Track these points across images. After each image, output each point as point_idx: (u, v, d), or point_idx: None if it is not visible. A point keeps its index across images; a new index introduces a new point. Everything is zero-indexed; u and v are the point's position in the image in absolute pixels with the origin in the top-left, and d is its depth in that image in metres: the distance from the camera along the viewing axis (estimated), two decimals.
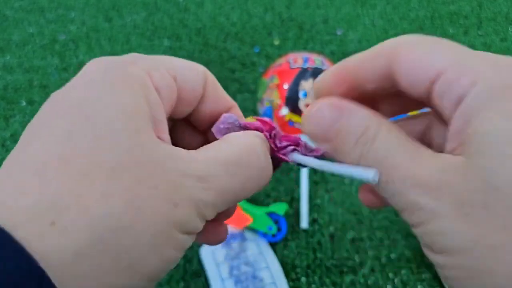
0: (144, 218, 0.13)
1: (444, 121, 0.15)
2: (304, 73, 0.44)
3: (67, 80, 0.57)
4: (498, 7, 0.63)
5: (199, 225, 0.15)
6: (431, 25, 0.61)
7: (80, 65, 0.58)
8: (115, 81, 0.14)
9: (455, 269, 0.13)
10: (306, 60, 0.45)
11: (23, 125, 0.52)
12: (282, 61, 0.46)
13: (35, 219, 0.12)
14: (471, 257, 0.13)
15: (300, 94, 0.43)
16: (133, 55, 0.16)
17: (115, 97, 0.14)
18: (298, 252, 0.42)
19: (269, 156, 0.16)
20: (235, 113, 0.18)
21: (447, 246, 0.13)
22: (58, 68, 0.58)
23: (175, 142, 0.17)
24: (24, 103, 0.54)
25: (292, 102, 0.43)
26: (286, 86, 0.43)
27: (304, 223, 0.43)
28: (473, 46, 0.59)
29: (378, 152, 0.14)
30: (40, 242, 0.12)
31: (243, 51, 0.59)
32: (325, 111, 0.15)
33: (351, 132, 0.15)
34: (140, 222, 0.13)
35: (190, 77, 0.16)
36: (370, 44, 0.64)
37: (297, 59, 0.45)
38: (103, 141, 0.13)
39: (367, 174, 0.14)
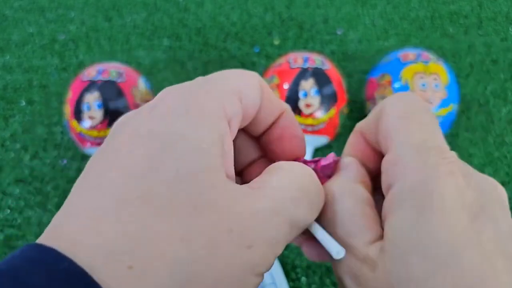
0: (220, 263, 0.13)
1: None
2: (304, 73, 0.43)
3: (66, 79, 0.57)
4: (498, 7, 0.63)
5: (272, 263, 0.14)
6: (431, 25, 0.61)
7: (80, 65, 0.57)
8: (193, 114, 0.14)
9: None
10: (306, 60, 0.45)
11: (23, 125, 0.52)
12: (282, 61, 0.46)
13: (113, 261, 0.11)
14: None
15: (300, 94, 0.43)
16: (205, 80, 0.15)
17: (194, 131, 0.13)
18: (298, 252, 0.42)
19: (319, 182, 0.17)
20: (289, 116, 0.18)
21: None
22: (57, 68, 0.57)
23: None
24: (23, 103, 0.54)
25: (292, 102, 0.43)
26: (286, 86, 0.43)
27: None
28: (473, 46, 0.58)
29: (333, 216, 0.15)
30: (118, 286, 0.11)
31: (243, 51, 0.59)
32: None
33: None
34: (216, 267, 0.13)
35: (252, 95, 0.16)
36: (370, 44, 0.64)
37: (297, 59, 0.45)
38: (183, 176, 0.13)
39: (335, 249, 0.15)
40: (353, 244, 0.14)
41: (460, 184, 0.13)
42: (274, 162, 0.17)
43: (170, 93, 0.15)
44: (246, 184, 0.15)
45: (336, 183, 0.16)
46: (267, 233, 0.14)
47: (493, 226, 0.13)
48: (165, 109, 0.14)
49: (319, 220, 0.16)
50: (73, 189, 0.14)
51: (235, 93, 0.15)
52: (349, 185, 0.16)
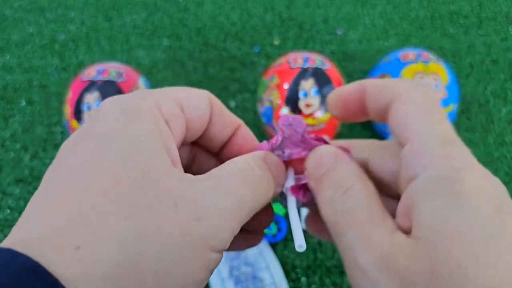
0: (168, 237, 0.13)
1: None
2: (304, 73, 0.43)
3: (66, 80, 0.57)
4: (498, 7, 0.63)
5: (227, 237, 0.15)
6: (431, 25, 0.61)
7: (80, 64, 0.57)
8: (129, 114, 0.15)
9: None
10: (306, 60, 0.45)
11: (23, 125, 0.52)
12: (282, 60, 0.46)
13: (61, 244, 0.12)
14: None
15: (300, 94, 0.43)
16: (142, 91, 0.17)
17: (132, 126, 0.15)
18: (298, 252, 0.42)
19: (266, 168, 0.18)
20: (244, 131, 0.19)
21: None
22: (57, 68, 0.57)
23: (194, 167, 0.18)
24: (23, 103, 0.54)
25: (292, 102, 0.43)
26: (286, 86, 0.43)
27: (304, 223, 0.43)
28: (473, 46, 0.59)
29: (346, 203, 0.15)
30: (66, 269, 0.12)
31: (243, 51, 0.58)
32: (329, 152, 0.17)
33: (332, 181, 0.16)
34: (164, 241, 0.13)
35: (196, 104, 0.17)
36: (370, 44, 0.64)
37: (297, 59, 0.45)
38: (125, 161, 0.14)
39: (299, 240, 0.16)
40: (378, 233, 0.14)
41: (484, 177, 0.14)
42: None
43: (108, 102, 0.16)
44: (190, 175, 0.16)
45: (349, 173, 0.16)
46: (215, 206, 0.14)
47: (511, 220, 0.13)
48: (105, 115, 0.15)
49: (335, 212, 0.16)
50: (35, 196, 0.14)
51: (174, 100, 0.16)
52: (362, 176, 0.16)
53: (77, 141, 0.15)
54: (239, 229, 0.15)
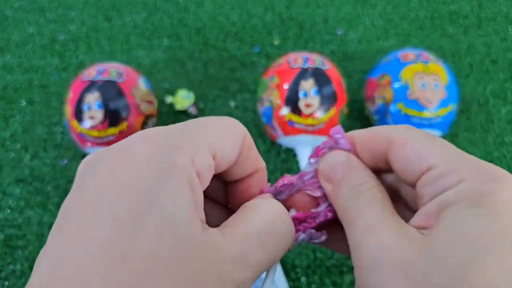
0: None
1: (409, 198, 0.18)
2: (304, 73, 0.44)
3: (67, 80, 0.57)
4: (498, 7, 0.63)
5: None
6: (431, 25, 0.61)
7: (80, 65, 0.58)
8: (163, 172, 0.14)
9: None
10: (306, 60, 0.45)
11: (23, 125, 0.52)
12: (282, 61, 0.46)
13: None
14: None
15: (300, 94, 0.43)
16: (179, 129, 0.15)
17: (166, 192, 0.14)
18: (298, 252, 0.42)
19: (291, 220, 0.18)
20: (261, 176, 0.19)
21: None
22: (58, 68, 0.57)
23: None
24: (24, 103, 0.54)
25: (292, 102, 0.43)
26: (286, 86, 0.43)
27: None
28: (473, 46, 0.59)
29: (363, 200, 0.17)
30: None
31: (243, 51, 0.59)
32: (339, 159, 0.18)
33: (352, 181, 0.17)
34: None
35: (228, 151, 0.17)
36: (370, 44, 0.64)
37: (297, 59, 0.45)
38: (162, 234, 0.13)
39: None
40: (388, 225, 0.15)
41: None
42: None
43: (145, 139, 0.15)
44: (217, 228, 0.15)
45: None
46: (235, 279, 0.14)
47: None
48: (140, 157, 0.14)
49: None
50: (54, 236, 0.13)
51: (209, 149, 0.15)
52: (378, 183, 0.18)
53: (110, 180, 0.14)
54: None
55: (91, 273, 0.12)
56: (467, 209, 0.14)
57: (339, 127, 0.19)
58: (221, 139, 0.16)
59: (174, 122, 0.52)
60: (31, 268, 0.42)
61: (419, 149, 0.16)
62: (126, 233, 0.13)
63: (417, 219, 0.16)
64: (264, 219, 0.16)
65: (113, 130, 0.43)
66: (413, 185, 0.17)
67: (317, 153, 0.20)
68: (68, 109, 0.44)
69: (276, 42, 0.60)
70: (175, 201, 0.14)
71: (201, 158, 0.15)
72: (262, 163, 0.19)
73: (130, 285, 0.12)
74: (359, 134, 0.18)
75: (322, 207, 0.19)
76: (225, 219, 0.17)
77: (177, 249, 0.13)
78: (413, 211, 0.17)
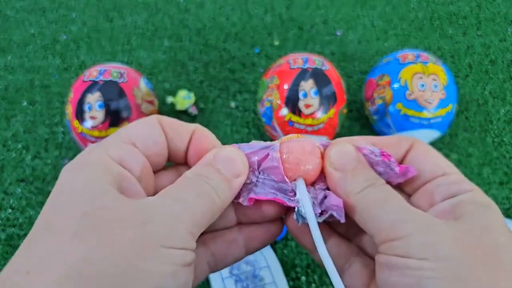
0: (116, 247, 0.15)
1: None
2: (303, 74, 0.44)
3: (68, 80, 0.57)
4: (497, 8, 0.64)
5: (183, 235, 0.16)
6: (430, 26, 0.61)
7: (81, 65, 0.58)
8: (76, 170, 0.17)
9: (432, 271, 0.16)
10: (306, 61, 0.45)
11: (24, 125, 0.52)
12: (282, 61, 0.46)
13: (16, 270, 0.14)
14: (456, 264, 0.16)
15: (300, 95, 0.43)
16: (90, 146, 0.19)
17: (79, 179, 0.17)
18: (298, 251, 0.42)
19: (211, 173, 0.19)
20: (199, 133, 0.20)
21: (430, 254, 0.16)
22: (59, 68, 0.58)
23: None
24: (25, 103, 0.54)
25: (292, 102, 0.43)
26: (286, 87, 0.44)
27: None
28: (472, 47, 0.59)
29: (382, 191, 0.18)
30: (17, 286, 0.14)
31: (243, 52, 0.59)
32: (352, 151, 0.19)
33: (365, 174, 0.19)
34: (113, 251, 0.15)
35: (145, 134, 0.19)
36: (369, 45, 0.64)
37: (297, 60, 0.45)
38: (72, 203, 0.16)
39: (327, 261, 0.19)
40: (409, 212, 0.17)
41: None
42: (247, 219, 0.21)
43: (64, 168, 0.18)
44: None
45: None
46: (161, 211, 0.16)
47: None
48: (59, 181, 0.17)
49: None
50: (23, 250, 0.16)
51: (124, 140, 0.18)
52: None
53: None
54: (200, 229, 0.17)
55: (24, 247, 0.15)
56: (484, 208, 0.17)
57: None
58: (134, 128, 0.19)
59: None
60: None
61: (437, 157, 0.19)
62: (46, 216, 0.16)
63: (435, 213, 0.18)
64: (184, 176, 0.18)
65: (114, 130, 0.43)
66: (415, 188, 0.19)
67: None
68: (70, 109, 0.44)
69: (276, 43, 0.60)
70: (90, 181, 0.17)
71: (116, 149, 0.18)
72: (194, 125, 0.20)
73: (49, 245, 0.15)
74: (379, 138, 0.20)
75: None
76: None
77: (81, 208, 0.16)
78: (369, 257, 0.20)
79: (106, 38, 0.61)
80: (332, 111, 0.44)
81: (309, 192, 0.19)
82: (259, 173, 0.20)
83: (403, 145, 0.20)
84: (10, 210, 0.46)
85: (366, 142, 0.20)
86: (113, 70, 0.45)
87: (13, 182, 0.48)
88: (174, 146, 0.20)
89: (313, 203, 0.19)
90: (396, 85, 0.44)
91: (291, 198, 0.19)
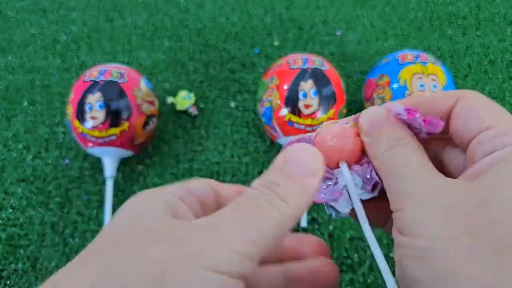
0: (153, 263, 0.14)
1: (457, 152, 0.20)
2: (303, 74, 0.44)
3: (68, 80, 0.57)
4: (496, 8, 0.64)
5: (230, 257, 0.14)
6: (429, 26, 0.62)
7: (82, 65, 0.58)
8: (135, 197, 0.18)
9: (411, 249, 0.15)
10: (305, 61, 0.45)
11: (25, 125, 0.53)
12: (281, 61, 0.47)
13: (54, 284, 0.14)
14: (429, 243, 0.15)
15: (300, 95, 0.43)
16: (161, 188, 0.19)
17: (141, 205, 0.17)
18: None
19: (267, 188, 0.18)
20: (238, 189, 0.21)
21: (415, 231, 0.15)
22: (59, 68, 0.58)
23: None
24: (25, 103, 0.55)
25: (292, 102, 0.43)
26: (285, 87, 0.44)
27: (303, 222, 0.44)
28: (471, 47, 0.59)
29: (402, 153, 0.18)
30: None
31: (243, 52, 0.59)
32: (381, 114, 0.19)
33: (390, 134, 0.18)
34: (150, 267, 0.14)
35: (198, 187, 0.20)
36: (369, 45, 0.65)
37: (296, 60, 0.45)
38: (126, 221, 0.16)
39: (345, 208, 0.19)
40: (428, 174, 0.17)
41: None
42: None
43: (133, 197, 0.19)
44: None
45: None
46: (204, 229, 0.16)
47: None
48: (126, 203, 0.18)
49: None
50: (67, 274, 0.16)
51: (183, 187, 0.19)
52: (415, 139, 0.19)
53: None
54: (261, 248, 0.15)
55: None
56: None
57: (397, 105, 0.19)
58: (189, 183, 0.20)
59: (175, 122, 0.53)
60: (33, 267, 0.43)
61: (484, 109, 0.17)
62: (102, 237, 0.16)
63: (466, 174, 0.16)
64: (239, 198, 0.18)
65: (114, 130, 0.43)
66: (465, 146, 0.18)
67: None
68: (70, 109, 0.45)
69: (276, 43, 0.60)
70: (148, 208, 0.17)
71: (179, 190, 0.19)
72: (237, 187, 0.21)
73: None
74: (422, 98, 0.19)
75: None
76: None
77: (146, 231, 0.16)
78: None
79: (107, 38, 0.61)
80: (332, 111, 0.44)
81: (357, 171, 0.19)
82: None
83: (446, 101, 0.18)
84: (11, 210, 0.46)
85: (402, 103, 0.19)
86: (113, 70, 0.45)
87: (13, 182, 0.48)
88: (224, 198, 0.20)
89: (363, 181, 0.19)
90: (395, 85, 0.45)
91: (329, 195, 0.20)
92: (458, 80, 0.56)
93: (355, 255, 0.42)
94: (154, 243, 0.15)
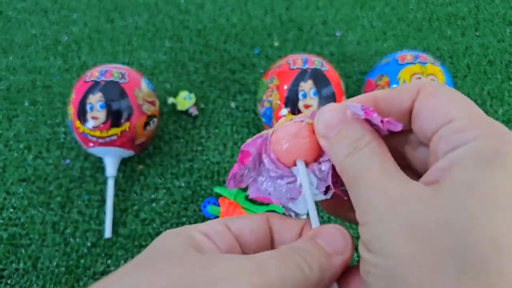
0: (162, 280, 0.15)
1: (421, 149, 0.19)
2: (303, 74, 0.44)
3: (69, 80, 0.57)
4: (495, 9, 0.64)
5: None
6: (429, 27, 0.62)
7: (83, 66, 0.58)
8: (169, 236, 0.18)
9: (375, 267, 0.15)
10: (305, 61, 0.45)
11: (26, 125, 0.53)
12: (281, 62, 0.47)
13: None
14: (392, 263, 0.15)
15: (300, 95, 0.43)
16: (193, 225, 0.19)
17: (162, 239, 0.18)
18: None
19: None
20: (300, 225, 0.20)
21: (377, 248, 0.15)
22: (60, 68, 0.58)
23: None
24: (27, 104, 0.55)
25: (292, 102, 0.44)
26: (285, 87, 0.44)
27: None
28: (470, 47, 0.59)
29: (362, 158, 0.17)
30: None
31: (243, 52, 0.59)
32: (337, 114, 0.18)
33: (348, 136, 0.17)
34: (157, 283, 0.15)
35: (243, 223, 0.19)
36: (368, 45, 0.65)
37: (296, 60, 0.46)
38: (150, 257, 0.17)
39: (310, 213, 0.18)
40: (392, 180, 0.16)
41: None
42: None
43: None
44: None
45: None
46: (222, 265, 0.16)
47: None
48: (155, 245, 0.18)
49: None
50: None
51: (220, 223, 0.19)
52: (375, 134, 0.18)
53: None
54: None
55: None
56: (477, 166, 0.14)
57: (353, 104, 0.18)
58: (240, 219, 0.20)
59: (175, 122, 0.53)
60: (34, 266, 0.43)
61: (447, 101, 0.16)
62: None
63: (428, 175, 0.16)
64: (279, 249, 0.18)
65: (115, 130, 0.43)
66: (428, 141, 0.17)
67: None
68: (71, 110, 0.45)
69: (276, 44, 0.60)
70: (171, 245, 0.17)
71: (206, 227, 0.19)
72: (303, 221, 0.21)
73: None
74: (383, 92, 0.18)
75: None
76: None
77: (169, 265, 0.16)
78: (419, 175, 0.17)
79: (107, 39, 0.61)
80: None
81: (314, 171, 0.19)
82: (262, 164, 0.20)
83: (407, 94, 0.17)
84: (12, 210, 0.46)
85: (359, 100, 0.18)
86: (114, 70, 0.45)
87: (15, 182, 0.48)
88: (284, 238, 0.20)
89: (318, 180, 0.19)
90: (395, 86, 0.45)
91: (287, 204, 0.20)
92: (457, 80, 0.56)
93: (355, 255, 0.42)
94: (172, 267, 0.15)
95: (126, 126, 0.44)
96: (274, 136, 0.19)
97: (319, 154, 0.19)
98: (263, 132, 0.20)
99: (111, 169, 0.45)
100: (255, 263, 0.16)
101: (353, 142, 0.17)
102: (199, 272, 0.15)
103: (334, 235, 0.18)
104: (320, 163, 0.19)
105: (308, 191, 0.19)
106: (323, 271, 0.17)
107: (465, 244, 0.13)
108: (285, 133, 0.19)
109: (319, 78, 0.44)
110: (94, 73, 0.45)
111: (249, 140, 0.20)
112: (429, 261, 0.14)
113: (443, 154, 0.15)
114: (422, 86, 0.17)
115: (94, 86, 0.44)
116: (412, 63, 0.45)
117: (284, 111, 0.44)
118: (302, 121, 0.19)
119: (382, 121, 0.17)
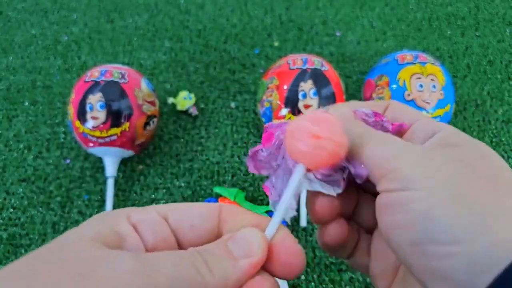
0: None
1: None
2: (303, 74, 0.44)
3: (69, 80, 0.57)
4: (495, 9, 0.64)
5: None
6: (429, 27, 0.62)
7: (83, 66, 0.58)
8: (88, 223, 0.17)
9: (412, 204, 0.17)
10: (305, 61, 0.45)
11: (26, 125, 0.53)
12: (281, 62, 0.47)
13: None
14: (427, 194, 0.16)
15: (299, 95, 0.43)
16: (129, 209, 0.18)
17: (80, 230, 0.17)
18: None
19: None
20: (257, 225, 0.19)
21: (411, 179, 0.17)
22: (60, 69, 0.58)
23: None
24: (27, 104, 0.55)
25: (292, 102, 0.44)
26: (285, 87, 0.44)
27: (303, 221, 0.44)
28: (470, 47, 0.59)
29: (378, 133, 0.19)
30: None
31: (243, 53, 0.59)
32: (347, 112, 0.21)
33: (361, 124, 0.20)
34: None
35: (185, 216, 0.18)
36: (368, 45, 0.65)
37: (296, 60, 0.46)
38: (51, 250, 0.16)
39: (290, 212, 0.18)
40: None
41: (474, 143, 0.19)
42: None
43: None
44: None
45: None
46: (107, 266, 0.15)
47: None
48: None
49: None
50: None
51: (156, 212, 0.18)
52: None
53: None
54: None
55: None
56: (468, 138, 0.18)
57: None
58: (178, 207, 0.19)
59: (175, 122, 0.53)
60: None
61: (412, 110, 0.21)
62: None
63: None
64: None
65: (115, 130, 0.43)
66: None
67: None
68: (71, 110, 0.45)
69: (276, 44, 0.60)
70: (75, 238, 0.16)
71: (137, 215, 0.18)
72: (260, 218, 0.20)
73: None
74: (364, 103, 0.22)
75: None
76: None
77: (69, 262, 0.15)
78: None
79: (107, 39, 0.61)
80: None
81: (320, 176, 0.18)
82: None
83: (382, 105, 0.22)
84: (12, 210, 0.46)
85: (358, 105, 0.21)
86: (114, 70, 0.45)
87: (14, 182, 0.48)
88: (226, 229, 0.19)
89: (325, 182, 0.19)
90: (394, 86, 0.45)
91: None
92: (457, 80, 0.56)
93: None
94: (48, 273, 0.14)
95: (126, 126, 0.44)
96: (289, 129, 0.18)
97: (326, 162, 0.18)
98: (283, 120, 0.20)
99: (111, 169, 0.45)
100: (144, 264, 0.15)
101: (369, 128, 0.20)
102: (71, 283, 0.14)
103: (246, 238, 0.17)
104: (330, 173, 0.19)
105: (287, 196, 0.18)
106: (225, 275, 0.16)
107: (495, 168, 0.17)
108: (305, 141, 0.18)
109: (319, 78, 0.44)
110: (94, 73, 0.45)
111: (276, 122, 0.19)
112: (480, 178, 0.16)
113: (423, 140, 0.19)
114: (390, 102, 0.22)
115: (94, 86, 0.44)
116: (412, 63, 0.45)
117: (284, 111, 0.44)
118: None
119: (393, 124, 0.20)
